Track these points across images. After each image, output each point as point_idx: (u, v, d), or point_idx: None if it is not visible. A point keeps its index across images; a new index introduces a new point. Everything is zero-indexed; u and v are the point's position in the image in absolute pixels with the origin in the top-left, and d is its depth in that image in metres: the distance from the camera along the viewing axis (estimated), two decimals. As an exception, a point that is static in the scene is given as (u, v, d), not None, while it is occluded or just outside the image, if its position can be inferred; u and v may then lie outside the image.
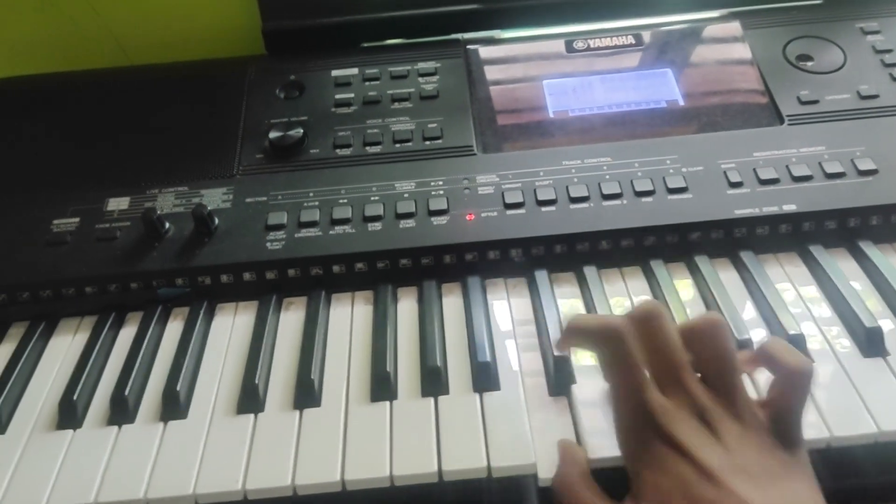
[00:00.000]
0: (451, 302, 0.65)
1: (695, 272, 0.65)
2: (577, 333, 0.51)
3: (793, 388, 0.46)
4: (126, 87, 0.83)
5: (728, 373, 0.47)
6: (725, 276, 0.65)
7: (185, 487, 0.52)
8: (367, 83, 0.80)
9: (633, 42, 0.81)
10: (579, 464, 0.50)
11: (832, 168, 0.67)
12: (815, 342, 0.59)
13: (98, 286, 0.66)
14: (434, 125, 0.75)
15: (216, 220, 0.68)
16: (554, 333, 0.59)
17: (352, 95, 0.79)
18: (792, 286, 0.64)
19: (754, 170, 0.68)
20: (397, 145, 0.74)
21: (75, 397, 0.59)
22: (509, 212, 0.67)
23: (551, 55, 0.81)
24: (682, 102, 0.76)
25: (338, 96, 0.79)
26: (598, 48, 0.81)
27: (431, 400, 0.57)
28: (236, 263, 0.66)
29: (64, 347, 0.65)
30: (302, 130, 0.75)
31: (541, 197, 0.67)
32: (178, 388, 0.58)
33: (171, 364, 0.61)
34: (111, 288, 0.67)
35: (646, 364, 0.48)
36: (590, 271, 0.65)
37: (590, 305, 0.63)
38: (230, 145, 0.75)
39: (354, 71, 0.81)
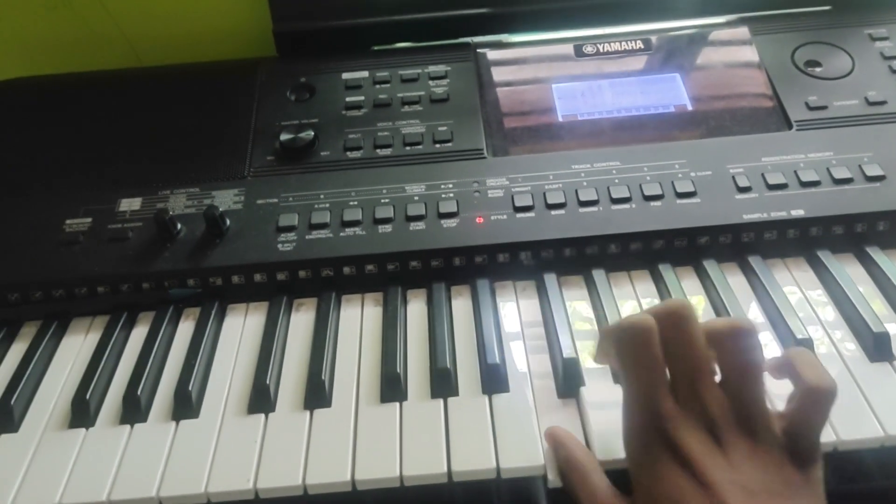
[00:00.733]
0: (461, 304, 0.65)
1: (703, 276, 0.66)
2: (606, 337, 0.51)
3: (812, 404, 0.45)
4: (137, 88, 0.84)
5: (749, 385, 0.45)
6: (733, 280, 0.65)
7: (197, 486, 0.53)
8: (377, 86, 0.80)
9: (642, 47, 0.82)
10: (583, 446, 0.51)
11: (840, 174, 0.68)
12: (822, 346, 0.59)
13: (110, 286, 0.67)
14: (444, 128, 0.75)
15: (227, 222, 0.69)
16: (563, 336, 0.60)
17: (362, 98, 0.79)
18: (799, 290, 0.64)
19: (762, 175, 0.68)
20: (407, 148, 0.74)
21: (88, 396, 0.59)
22: (519, 215, 0.67)
23: (560, 59, 0.82)
24: (690, 107, 0.76)
25: (348, 99, 0.79)
26: (607, 52, 0.82)
27: (441, 401, 0.57)
28: (247, 264, 0.66)
29: (76, 346, 0.65)
30: (312, 132, 0.75)
31: (550, 200, 0.68)
32: (189, 388, 0.59)
33: (183, 364, 0.61)
34: (123, 288, 0.67)
35: (665, 364, 0.47)
36: (598, 275, 0.66)
37: (598, 309, 0.63)
38: (241, 147, 0.76)
39: (365, 74, 0.81)
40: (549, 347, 0.61)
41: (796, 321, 0.60)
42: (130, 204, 0.72)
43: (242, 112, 0.79)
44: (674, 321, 0.47)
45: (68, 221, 0.70)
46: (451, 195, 0.69)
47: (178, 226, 0.69)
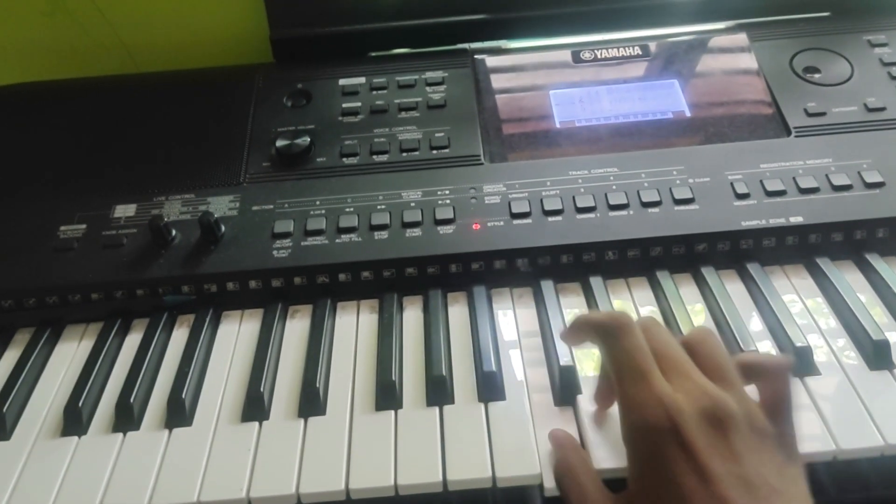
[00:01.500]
0: (457, 311, 0.65)
1: (701, 283, 0.65)
2: (583, 325, 0.51)
3: (781, 383, 0.46)
4: (134, 94, 0.84)
5: (729, 373, 0.46)
6: (732, 288, 0.65)
7: (190, 495, 0.52)
8: (374, 92, 0.80)
9: (640, 53, 0.82)
10: (579, 450, 0.51)
11: (839, 180, 0.67)
12: (821, 354, 0.58)
13: (104, 293, 0.67)
14: (441, 134, 0.75)
15: (223, 228, 0.68)
16: (560, 344, 0.59)
17: (359, 104, 0.79)
18: (798, 298, 0.64)
19: (761, 181, 0.68)
20: (404, 154, 0.74)
21: (80, 404, 0.59)
22: (516, 221, 0.67)
23: (558, 65, 0.81)
24: (688, 113, 0.76)
25: (345, 105, 0.79)
26: (605, 59, 0.81)
27: (436, 409, 0.57)
28: (242, 271, 0.66)
29: (69, 353, 0.65)
30: (309, 139, 0.75)
31: (547, 207, 0.67)
32: (183, 396, 0.58)
33: (177, 371, 0.61)
34: (117, 294, 0.67)
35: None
36: (596, 282, 0.65)
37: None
38: (237, 153, 0.75)
39: (362, 80, 0.81)
40: (545, 355, 0.60)
41: (795, 329, 0.59)
42: (125, 210, 0.71)
43: (239, 118, 0.79)
44: (647, 326, 0.48)
45: (62, 228, 0.70)
46: (448, 202, 0.69)
47: (173, 232, 0.68)
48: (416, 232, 0.67)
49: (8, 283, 0.67)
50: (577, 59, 0.82)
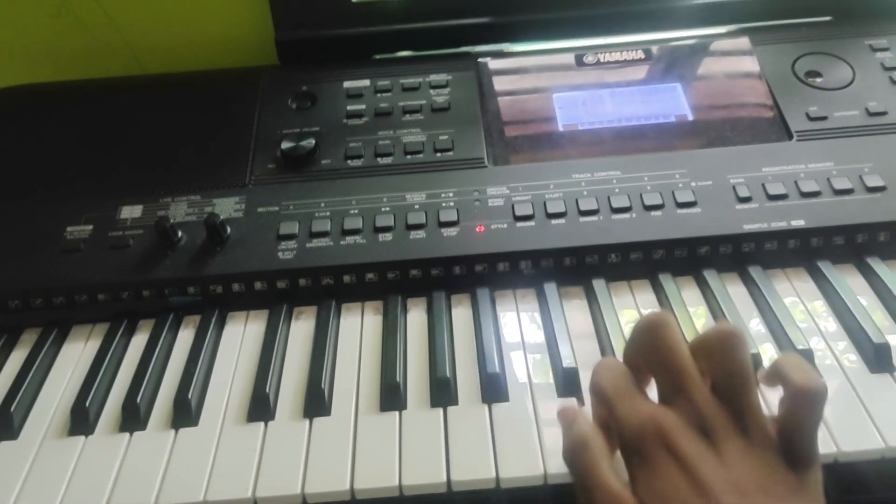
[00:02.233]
0: (461, 313, 0.65)
1: (703, 286, 0.66)
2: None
3: (802, 406, 0.45)
4: (139, 95, 0.84)
5: (741, 387, 0.45)
6: (734, 291, 0.65)
7: (196, 495, 0.53)
8: (378, 95, 0.80)
9: (643, 56, 0.82)
10: (594, 428, 0.48)
11: (840, 184, 0.68)
12: (822, 357, 0.59)
13: (110, 293, 0.67)
14: (445, 137, 0.75)
15: (228, 229, 0.69)
16: (563, 346, 0.60)
17: (363, 107, 0.79)
18: (800, 301, 0.64)
19: (763, 185, 0.68)
20: (408, 157, 0.74)
21: (87, 404, 0.59)
22: (519, 224, 0.67)
23: (561, 69, 0.82)
24: (691, 117, 0.76)
25: (350, 107, 0.79)
26: (608, 62, 0.82)
27: (440, 410, 0.57)
28: (248, 272, 0.66)
29: (76, 354, 0.65)
30: (314, 141, 0.75)
31: (550, 210, 0.68)
32: (189, 396, 0.59)
33: (183, 372, 0.61)
34: (123, 295, 0.67)
35: (651, 374, 0.48)
36: (599, 284, 0.66)
37: (598, 318, 0.63)
38: (242, 155, 0.76)
39: (366, 82, 0.82)
40: (549, 357, 0.61)
41: (797, 332, 0.60)
42: (131, 211, 0.72)
43: (244, 120, 0.79)
44: (652, 329, 0.47)
45: (69, 229, 0.70)
46: (452, 204, 0.69)
47: (179, 233, 0.69)
48: (421, 234, 0.67)
49: (15, 283, 0.67)
50: (580, 62, 0.82)
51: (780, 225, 0.66)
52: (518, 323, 0.64)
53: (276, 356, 0.62)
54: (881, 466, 0.53)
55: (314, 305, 0.67)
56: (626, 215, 0.67)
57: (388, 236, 0.67)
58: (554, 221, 0.67)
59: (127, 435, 0.58)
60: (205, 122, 0.80)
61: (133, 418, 0.58)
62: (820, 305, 0.64)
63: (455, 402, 0.58)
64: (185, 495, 0.53)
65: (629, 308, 0.65)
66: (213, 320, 0.66)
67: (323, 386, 0.59)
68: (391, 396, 0.58)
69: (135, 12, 0.89)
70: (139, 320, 0.68)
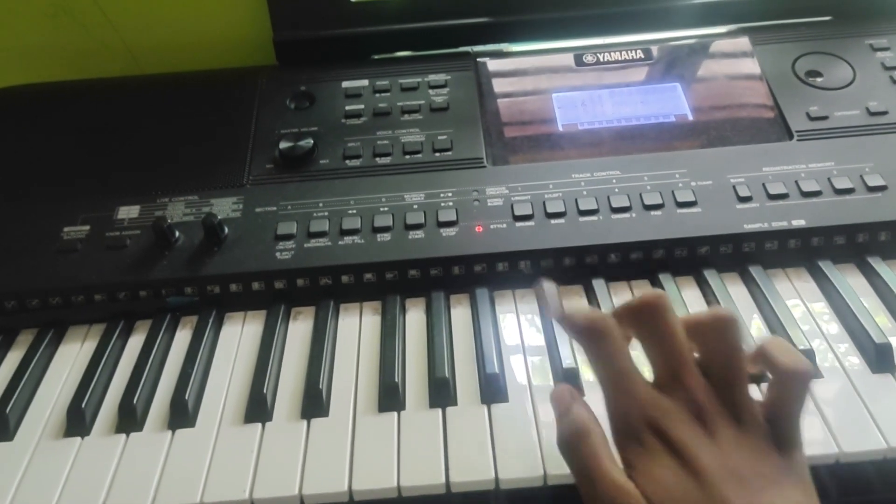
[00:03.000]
0: (460, 313, 0.65)
1: (704, 286, 0.65)
2: (566, 324, 0.49)
3: (788, 389, 0.45)
4: (137, 95, 0.84)
5: (731, 372, 0.45)
6: (734, 291, 0.65)
7: (193, 496, 0.52)
8: (377, 94, 0.80)
9: (643, 56, 0.82)
10: (593, 415, 0.47)
11: (841, 184, 0.68)
12: (824, 358, 0.59)
13: (107, 294, 0.67)
14: (444, 137, 0.75)
15: (226, 230, 0.68)
16: (563, 346, 0.59)
17: (362, 107, 0.79)
18: (801, 301, 0.64)
19: (763, 185, 0.68)
20: (407, 157, 0.74)
21: (84, 405, 0.59)
22: (518, 224, 0.67)
23: (561, 69, 0.82)
24: (691, 117, 0.76)
25: (348, 107, 0.79)
26: (608, 62, 0.81)
27: (439, 411, 0.57)
28: (245, 273, 0.66)
29: (72, 355, 0.65)
30: (312, 141, 0.75)
31: (550, 209, 0.67)
32: (186, 397, 0.58)
33: (180, 373, 0.61)
34: (120, 296, 0.67)
35: (646, 356, 0.47)
36: (598, 284, 0.65)
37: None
38: (240, 155, 0.76)
39: (365, 82, 0.81)
40: (549, 357, 0.60)
41: (797, 332, 0.59)
42: (129, 212, 0.71)
43: (242, 120, 0.79)
44: (649, 311, 0.46)
45: (66, 229, 0.70)
46: (451, 204, 0.69)
47: (177, 234, 0.68)
48: (419, 234, 0.67)
49: (11, 284, 0.67)
50: (579, 62, 0.82)
51: (780, 224, 0.65)
52: (517, 323, 0.64)
53: (273, 357, 0.62)
54: (883, 467, 0.53)
55: (312, 306, 0.67)
56: (626, 215, 0.67)
57: (386, 236, 0.67)
58: (553, 221, 0.67)
59: (123, 436, 0.57)
60: (203, 123, 0.79)
61: (129, 419, 0.58)
62: (821, 306, 0.63)
63: (454, 403, 0.57)
64: (182, 497, 0.52)
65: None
66: (211, 321, 0.65)
67: (321, 386, 0.58)
68: (390, 397, 0.57)
69: (132, 12, 0.89)
70: (136, 321, 0.67)
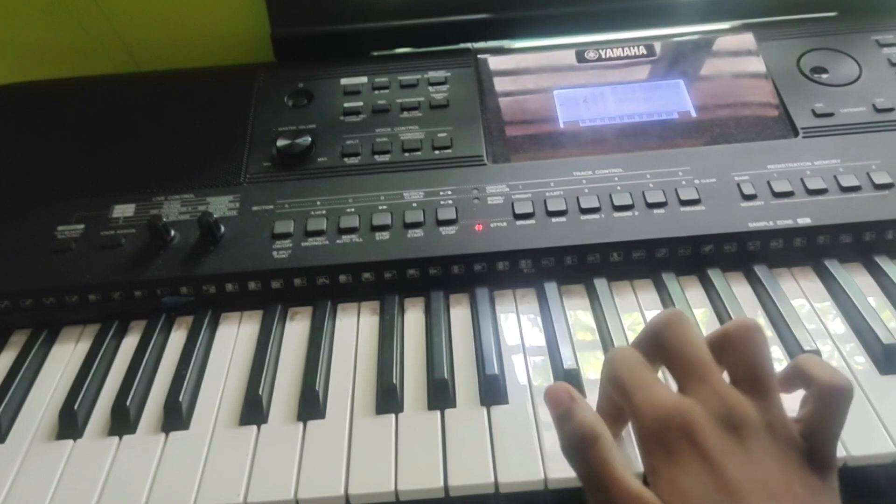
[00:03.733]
0: (459, 313, 0.64)
1: (707, 285, 0.64)
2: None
3: (829, 405, 0.43)
4: (134, 93, 0.83)
5: (762, 382, 0.43)
6: (739, 290, 0.64)
7: (186, 500, 0.51)
8: (376, 92, 0.79)
9: (645, 53, 0.81)
10: (597, 416, 0.44)
11: (847, 181, 0.66)
12: (830, 358, 0.58)
13: (102, 294, 0.66)
14: (443, 134, 0.74)
15: (222, 228, 0.68)
16: (564, 347, 0.58)
17: (361, 104, 0.78)
18: (807, 301, 0.63)
19: (768, 182, 0.67)
20: (406, 154, 0.73)
21: (76, 407, 0.58)
22: (519, 222, 0.66)
23: (562, 65, 0.81)
24: (694, 114, 0.75)
25: (347, 104, 0.78)
26: (610, 59, 0.81)
27: (438, 413, 0.56)
28: (242, 272, 0.65)
29: (66, 356, 0.64)
30: (310, 138, 0.74)
31: (551, 208, 0.66)
32: (180, 399, 0.57)
33: (174, 374, 0.60)
34: (115, 296, 0.66)
35: (667, 368, 0.45)
36: (600, 283, 0.64)
37: (600, 318, 0.62)
38: (237, 153, 0.75)
39: (364, 79, 0.80)
40: (549, 358, 0.59)
41: (804, 332, 0.58)
42: (124, 210, 0.70)
43: (239, 118, 0.78)
44: (668, 324, 0.45)
45: (60, 228, 0.69)
46: (450, 202, 0.68)
47: (172, 232, 0.68)
48: (418, 233, 0.66)
49: (4, 284, 0.66)
50: (581, 59, 0.81)
51: (785, 223, 0.64)
52: (518, 323, 0.63)
53: (269, 358, 0.61)
54: (892, 470, 0.52)
55: (309, 306, 0.66)
56: (629, 213, 0.66)
57: (385, 235, 0.66)
58: (555, 220, 0.66)
59: (116, 439, 0.56)
60: (200, 120, 0.78)
61: (123, 422, 0.57)
62: (827, 305, 0.62)
63: (453, 405, 0.56)
64: (175, 501, 0.51)
65: (631, 308, 0.63)
66: (206, 321, 0.65)
67: (317, 388, 0.57)
68: (387, 399, 0.57)
69: (129, 9, 0.88)
70: (131, 321, 0.67)
